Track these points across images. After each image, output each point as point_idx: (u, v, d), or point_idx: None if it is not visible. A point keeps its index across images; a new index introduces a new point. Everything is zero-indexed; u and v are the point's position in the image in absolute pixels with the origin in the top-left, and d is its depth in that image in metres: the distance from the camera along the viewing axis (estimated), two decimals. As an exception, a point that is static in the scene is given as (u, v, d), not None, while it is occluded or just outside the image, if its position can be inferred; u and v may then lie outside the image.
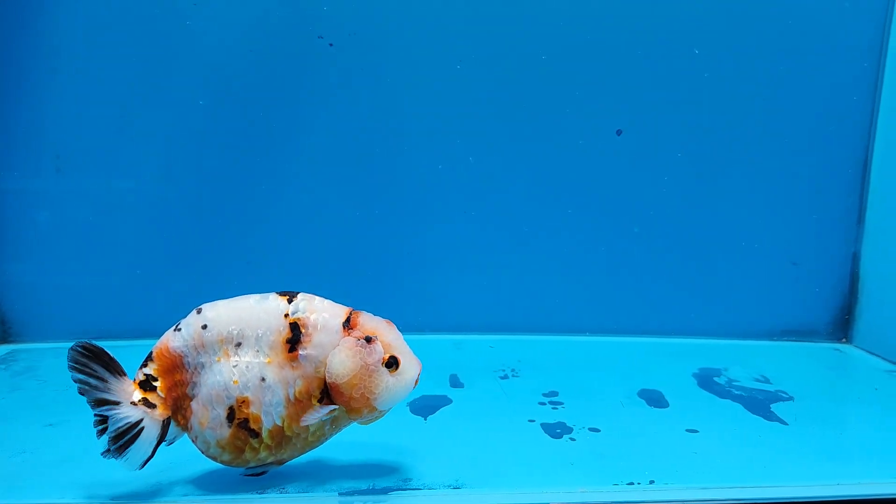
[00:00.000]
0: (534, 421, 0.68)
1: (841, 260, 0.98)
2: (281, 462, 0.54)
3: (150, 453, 0.51)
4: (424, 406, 0.71)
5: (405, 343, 0.53)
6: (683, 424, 0.68)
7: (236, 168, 0.90)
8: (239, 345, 0.51)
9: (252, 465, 0.53)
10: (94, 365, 0.50)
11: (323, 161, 0.91)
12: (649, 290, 0.96)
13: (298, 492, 0.53)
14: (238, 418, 0.51)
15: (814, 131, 0.94)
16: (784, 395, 0.78)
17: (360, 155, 0.91)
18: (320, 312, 0.52)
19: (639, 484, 0.55)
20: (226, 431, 0.51)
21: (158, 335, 0.52)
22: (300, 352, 0.51)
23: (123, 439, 0.49)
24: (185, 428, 0.52)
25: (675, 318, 0.97)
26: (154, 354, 0.52)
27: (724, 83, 0.93)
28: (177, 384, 0.51)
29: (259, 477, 0.54)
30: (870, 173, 0.95)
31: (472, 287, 0.94)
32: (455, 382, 0.78)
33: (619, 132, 0.95)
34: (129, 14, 0.85)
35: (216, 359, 0.51)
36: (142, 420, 0.50)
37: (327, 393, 0.51)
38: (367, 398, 0.51)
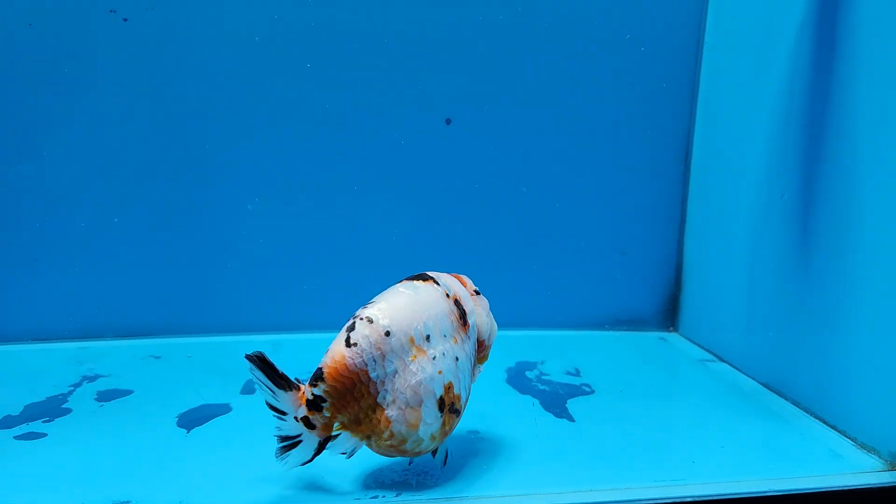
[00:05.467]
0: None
1: (667, 250, 0.98)
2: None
3: (306, 460, 0.52)
4: (200, 416, 0.67)
5: None
6: (469, 425, 0.66)
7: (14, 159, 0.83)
8: (428, 337, 0.52)
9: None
10: (262, 376, 0.50)
11: (117, 148, 0.85)
12: (476, 282, 0.95)
13: None
14: (447, 404, 0.52)
15: (638, 126, 0.94)
16: (587, 388, 0.77)
17: (160, 135, 0.85)
18: (455, 286, 0.57)
19: (384, 497, 0.53)
20: (439, 422, 0.52)
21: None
22: (469, 322, 0.56)
23: (284, 443, 0.51)
24: (376, 438, 0.51)
25: (503, 310, 0.95)
26: (326, 375, 0.50)
27: (550, 77, 0.91)
28: (357, 400, 0.50)
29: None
30: (690, 166, 0.96)
31: (289, 286, 0.91)
32: (249, 388, 0.75)
33: (448, 121, 0.92)
34: None
35: (410, 358, 0.51)
36: (300, 435, 0.51)
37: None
38: (490, 340, 0.60)
